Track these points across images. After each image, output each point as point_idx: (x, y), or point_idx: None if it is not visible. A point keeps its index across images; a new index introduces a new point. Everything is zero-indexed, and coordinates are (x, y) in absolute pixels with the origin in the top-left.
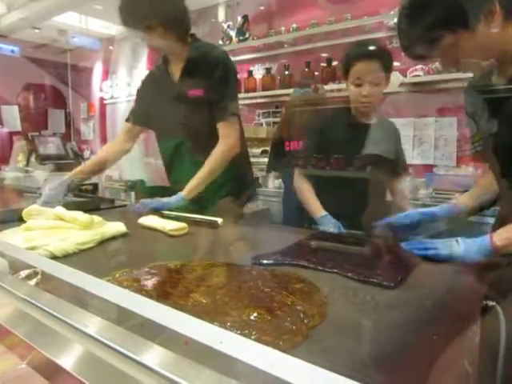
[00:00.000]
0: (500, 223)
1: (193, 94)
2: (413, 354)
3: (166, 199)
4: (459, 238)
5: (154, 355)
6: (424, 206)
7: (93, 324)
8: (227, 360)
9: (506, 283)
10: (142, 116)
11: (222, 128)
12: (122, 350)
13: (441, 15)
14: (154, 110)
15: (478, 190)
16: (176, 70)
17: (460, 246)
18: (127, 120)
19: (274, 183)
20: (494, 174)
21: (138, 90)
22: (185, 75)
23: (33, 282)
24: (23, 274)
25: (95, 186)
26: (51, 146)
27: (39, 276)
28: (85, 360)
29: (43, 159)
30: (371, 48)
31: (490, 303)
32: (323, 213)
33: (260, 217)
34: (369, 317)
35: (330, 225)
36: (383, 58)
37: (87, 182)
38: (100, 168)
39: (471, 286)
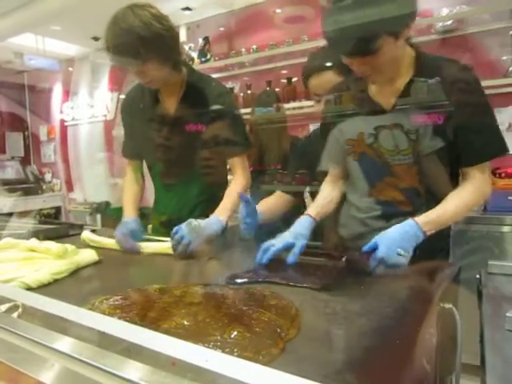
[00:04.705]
0: None
1: (193, 128)
2: (378, 356)
3: (203, 226)
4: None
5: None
6: None
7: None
8: (213, 377)
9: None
10: (136, 150)
11: (237, 162)
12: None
13: (380, 12)
14: (147, 143)
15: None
16: (169, 100)
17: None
18: (125, 156)
19: None
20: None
21: (124, 118)
22: (184, 109)
23: (15, 315)
24: (3, 308)
25: (58, 210)
26: (10, 170)
27: (20, 310)
28: None
29: (2, 184)
30: (320, 60)
31: (447, 305)
32: None
33: (230, 233)
34: (338, 325)
35: None
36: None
37: (48, 206)
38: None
39: (429, 289)
